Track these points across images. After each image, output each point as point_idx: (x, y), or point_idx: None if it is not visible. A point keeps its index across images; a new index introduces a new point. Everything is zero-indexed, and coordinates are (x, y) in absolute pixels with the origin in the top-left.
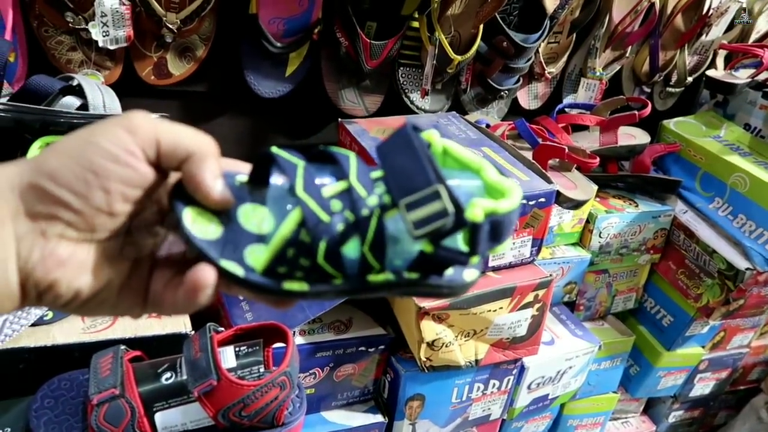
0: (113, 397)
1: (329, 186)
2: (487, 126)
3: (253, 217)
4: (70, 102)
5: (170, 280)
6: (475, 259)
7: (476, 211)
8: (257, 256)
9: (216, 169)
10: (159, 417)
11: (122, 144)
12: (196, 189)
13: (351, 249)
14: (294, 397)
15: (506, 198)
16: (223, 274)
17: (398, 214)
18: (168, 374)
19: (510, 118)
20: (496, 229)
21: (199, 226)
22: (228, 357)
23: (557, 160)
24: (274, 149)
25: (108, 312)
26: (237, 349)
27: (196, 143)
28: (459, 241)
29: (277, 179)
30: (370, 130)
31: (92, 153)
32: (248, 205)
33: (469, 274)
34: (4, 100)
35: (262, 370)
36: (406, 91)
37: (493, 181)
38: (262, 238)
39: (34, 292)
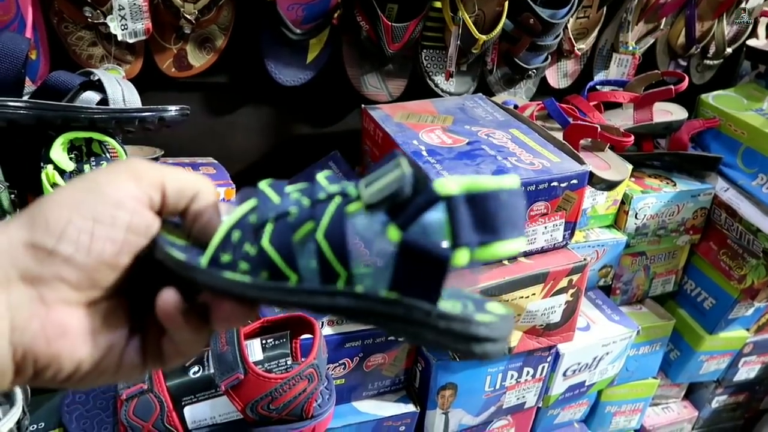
0: (142, 391)
1: (293, 185)
2: (515, 107)
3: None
4: (91, 97)
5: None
6: (460, 255)
7: (449, 183)
8: (207, 251)
9: (223, 208)
10: (188, 411)
11: (128, 191)
12: (205, 227)
13: (302, 233)
14: (323, 388)
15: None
16: (172, 263)
17: (362, 209)
18: (195, 368)
19: (539, 98)
20: (484, 212)
21: (171, 237)
22: (255, 350)
23: (589, 139)
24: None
25: (109, 379)
26: (264, 341)
27: (201, 183)
28: (439, 234)
29: None
30: (394, 115)
31: (96, 202)
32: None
33: (487, 314)
34: (25, 97)
35: (289, 362)
36: (431, 74)
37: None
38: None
39: (31, 369)
